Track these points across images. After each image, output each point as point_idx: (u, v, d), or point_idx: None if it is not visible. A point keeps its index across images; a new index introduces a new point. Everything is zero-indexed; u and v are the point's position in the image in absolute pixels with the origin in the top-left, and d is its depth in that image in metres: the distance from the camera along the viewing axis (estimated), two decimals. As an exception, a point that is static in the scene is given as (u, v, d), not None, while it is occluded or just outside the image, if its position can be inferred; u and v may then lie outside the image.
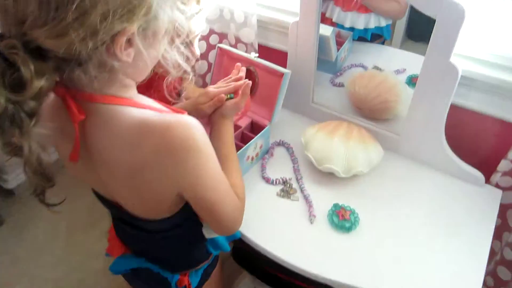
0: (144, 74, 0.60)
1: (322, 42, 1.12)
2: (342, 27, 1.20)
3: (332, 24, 1.21)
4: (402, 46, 1.24)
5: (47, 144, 0.53)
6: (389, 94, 1.09)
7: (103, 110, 0.56)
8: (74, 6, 0.45)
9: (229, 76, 0.87)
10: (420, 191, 0.95)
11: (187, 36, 0.69)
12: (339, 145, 0.95)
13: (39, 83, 0.47)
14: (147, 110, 0.58)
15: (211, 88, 0.83)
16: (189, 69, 0.65)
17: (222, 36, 1.23)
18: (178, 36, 0.62)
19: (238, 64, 0.89)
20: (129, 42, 0.52)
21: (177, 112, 0.63)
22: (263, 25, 1.18)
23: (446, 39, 0.81)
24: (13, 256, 1.70)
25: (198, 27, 0.91)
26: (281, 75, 0.98)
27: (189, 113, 0.79)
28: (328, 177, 0.97)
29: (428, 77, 0.88)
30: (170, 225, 0.70)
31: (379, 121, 1.09)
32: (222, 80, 0.86)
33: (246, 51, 1.19)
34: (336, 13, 1.19)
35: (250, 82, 0.85)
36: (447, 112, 0.91)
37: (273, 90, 1.00)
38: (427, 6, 0.80)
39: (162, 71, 0.64)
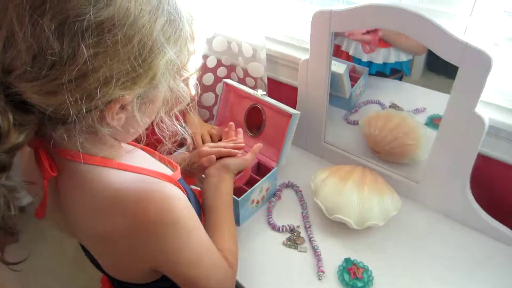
0: (132, 137, 0.56)
1: (334, 79, 1.05)
2: (359, 61, 1.14)
3: (348, 57, 1.14)
4: (422, 79, 1.16)
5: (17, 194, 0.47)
6: (407, 138, 1.01)
7: (79, 169, 0.50)
8: (74, 68, 0.40)
9: (230, 139, 0.85)
10: (441, 247, 0.86)
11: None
12: (352, 193, 0.87)
13: (17, 138, 0.42)
14: (129, 174, 0.52)
15: (205, 148, 0.79)
16: (187, 135, 0.59)
17: (231, 69, 1.18)
18: (179, 103, 0.56)
19: (231, 123, 0.87)
20: (122, 107, 0.47)
21: (173, 166, 0.61)
22: (273, 59, 1.12)
23: (470, 89, 0.74)
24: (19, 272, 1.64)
25: (192, 67, 0.85)
26: (290, 115, 0.91)
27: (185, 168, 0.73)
28: (339, 226, 0.89)
29: (451, 127, 0.81)
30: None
31: (397, 165, 1.01)
32: (223, 139, 0.85)
33: (254, 85, 1.13)
34: (353, 47, 1.13)
35: (260, 145, 0.82)
36: (472, 164, 0.83)
37: (281, 131, 0.93)
38: (448, 53, 0.73)
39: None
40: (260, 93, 0.96)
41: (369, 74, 1.16)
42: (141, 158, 0.61)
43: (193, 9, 0.52)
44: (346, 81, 1.10)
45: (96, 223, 0.52)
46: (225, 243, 0.67)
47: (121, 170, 0.52)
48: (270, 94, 1.15)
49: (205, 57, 1.14)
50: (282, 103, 1.08)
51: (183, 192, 0.61)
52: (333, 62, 1.05)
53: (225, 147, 0.79)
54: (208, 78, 1.17)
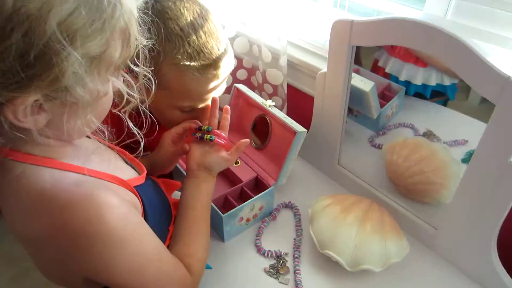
0: (79, 136, 0.51)
1: (360, 96, 0.95)
2: (396, 79, 1.01)
3: (385, 75, 1.02)
4: (471, 108, 1.01)
5: None
6: (435, 175, 0.87)
7: (14, 168, 0.47)
8: None
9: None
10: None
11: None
12: (350, 229, 0.77)
13: None
14: (69, 175, 0.48)
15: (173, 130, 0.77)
16: (139, 137, 0.55)
17: (251, 72, 1.11)
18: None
19: (227, 107, 0.80)
20: (38, 108, 0.42)
21: (141, 169, 0.60)
22: (294, 66, 1.03)
23: (506, 134, 0.60)
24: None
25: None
26: (294, 133, 0.82)
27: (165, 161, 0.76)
28: (331, 264, 0.79)
29: (481, 172, 0.67)
30: None
31: (416, 203, 0.88)
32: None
33: (273, 93, 1.05)
34: (391, 63, 1.00)
35: (248, 141, 0.74)
36: (502, 219, 0.69)
37: (285, 147, 0.85)
38: (484, 87, 0.60)
39: None
40: (268, 103, 0.88)
41: (407, 94, 1.04)
42: (102, 159, 0.58)
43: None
44: (374, 100, 0.98)
45: (24, 225, 0.49)
46: (194, 249, 0.64)
47: (61, 170, 0.49)
48: (289, 103, 1.07)
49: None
50: (302, 114, 1.00)
51: (138, 198, 0.57)
52: (359, 78, 0.95)
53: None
54: (227, 79, 1.11)
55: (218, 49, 0.72)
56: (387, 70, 1.01)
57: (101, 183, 0.51)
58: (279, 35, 0.94)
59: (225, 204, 0.87)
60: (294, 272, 0.78)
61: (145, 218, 0.58)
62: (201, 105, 0.78)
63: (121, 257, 0.50)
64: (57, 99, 0.42)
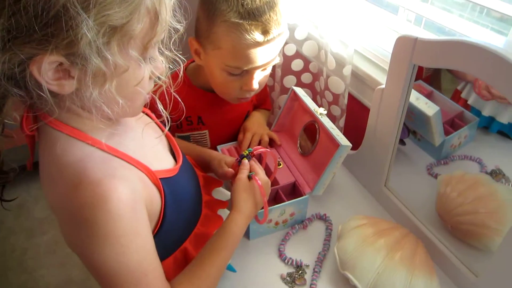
0: (98, 111, 0.51)
1: (423, 120, 0.88)
2: (478, 113, 0.91)
3: (466, 106, 0.92)
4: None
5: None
6: (490, 218, 0.79)
7: (50, 134, 0.52)
8: None
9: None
10: None
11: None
12: (376, 255, 0.73)
13: None
14: (96, 152, 0.51)
15: (228, 159, 0.79)
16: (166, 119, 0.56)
17: (315, 77, 1.09)
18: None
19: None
20: (66, 72, 0.46)
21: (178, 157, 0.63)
22: (357, 75, 0.99)
23: None
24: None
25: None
26: (337, 145, 0.80)
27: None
28: (349, 286, 0.76)
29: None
30: None
31: (461, 245, 0.80)
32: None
33: (332, 101, 1.02)
34: (474, 96, 0.91)
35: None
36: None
37: (327, 158, 0.82)
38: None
39: None
40: (320, 111, 0.87)
41: (489, 131, 0.93)
42: (141, 144, 0.60)
43: None
44: (436, 126, 0.91)
45: (46, 190, 0.53)
46: (193, 282, 0.60)
47: (89, 145, 0.52)
48: (348, 114, 1.03)
49: (290, 57, 1.07)
50: (359, 126, 0.96)
51: (160, 191, 0.58)
52: (424, 100, 0.89)
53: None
54: (290, 81, 1.10)
55: (270, 16, 0.75)
56: (470, 102, 0.91)
57: (119, 168, 0.52)
58: (348, 42, 0.91)
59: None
60: (310, 286, 0.77)
61: (164, 212, 0.59)
62: (247, 67, 0.81)
63: (100, 253, 0.49)
64: (78, 65, 0.44)
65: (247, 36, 0.75)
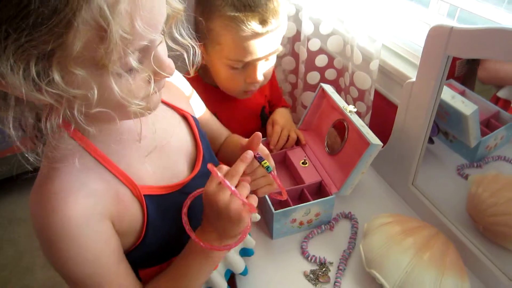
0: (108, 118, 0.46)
1: (459, 120, 0.84)
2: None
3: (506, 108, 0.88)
4: None
5: None
6: (525, 218, 0.75)
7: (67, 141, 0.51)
8: None
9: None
10: None
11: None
12: (405, 254, 0.70)
13: None
14: (83, 154, 0.51)
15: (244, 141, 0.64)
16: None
17: (340, 73, 1.07)
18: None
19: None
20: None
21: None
22: (383, 70, 0.96)
23: None
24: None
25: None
26: (368, 144, 0.77)
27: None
28: (375, 285, 0.73)
29: None
30: None
31: (494, 248, 0.76)
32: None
33: (358, 97, 1.00)
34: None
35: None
36: None
37: (356, 158, 0.80)
38: None
39: None
40: (349, 108, 0.84)
41: None
42: (139, 152, 0.57)
43: None
44: (473, 127, 0.86)
45: None
46: None
47: (80, 146, 0.51)
48: (374, 111, 1.00)
49: (314, 53, 1.05)
50: (385, 124, 0.94)
51: (144, 210, 0.55)
52: (461, 99, 0.85)
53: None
54: (314, 77, 1.08)
55: (266, 5, 0.75)
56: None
57: (94, 181, 0.51)
58: (375, 36, 0.89)
59: (281, 202, 0.85)
60: (334, 284, 0.74)
61: (146, 229, 0.57)
62: (248, 59, 0.79)
63: (53, 259, 0.50)
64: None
65: (245, 28, 0.74)
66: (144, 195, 0.55)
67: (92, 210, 0.50)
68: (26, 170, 0.47)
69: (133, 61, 0.41)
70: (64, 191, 0.48)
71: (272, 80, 1.02)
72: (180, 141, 0.66)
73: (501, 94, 0.87)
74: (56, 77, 0.37)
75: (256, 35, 0.76)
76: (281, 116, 0.98)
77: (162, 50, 0.48)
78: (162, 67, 0.47)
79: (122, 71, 0.41)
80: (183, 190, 0.62)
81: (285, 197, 0.64)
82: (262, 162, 0.58)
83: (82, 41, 0.36)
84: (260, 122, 1.02)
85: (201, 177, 0.64)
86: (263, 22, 0.75)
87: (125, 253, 0.57)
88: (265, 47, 0.79)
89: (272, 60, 0.87)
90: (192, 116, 0.70)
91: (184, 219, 0.56)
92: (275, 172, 0.61)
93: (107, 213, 0.52)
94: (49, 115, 0.43)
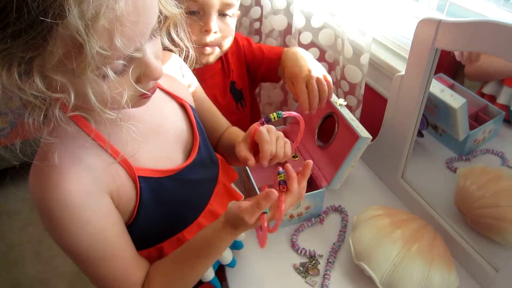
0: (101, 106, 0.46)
1: (448, 113, 0.85)
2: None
3: (499, 105, 0.88)
4: None
5: None
6: (511, 211, 0.76)
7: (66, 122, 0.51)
8: None
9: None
10: None
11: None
12: (393, 245, 0.70)
13: None
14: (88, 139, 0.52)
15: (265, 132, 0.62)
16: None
17: (331, 67, 1.07)
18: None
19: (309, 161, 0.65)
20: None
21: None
22: (373, 64, 0.96)
23: None
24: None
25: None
26: (357, 137, 0.77)
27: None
28: (364, 278, 0.73)
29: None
30: None
31: (481, 239, 0.77)
32: None
33: (348, 91, 1.00)
34: (504, 93, 0.85)
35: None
36: None
37: (346, 151, 0.80)
38: None
39: None
40: (339, 102, 0.84)
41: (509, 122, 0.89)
42: (142, 135, 0.56)
43: None
44: (462, 120, 0.87)
45: None
46: (167, 278, 0.59)
47: (77, 126, 0.52)
48: (364, 104, 1.01)
49: (306, 46, 1.05)
50: (375, 117, 0.94)
51: (138, 191, 0.57)
52: (450, 93, 0.85)
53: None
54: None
55: None
56: (500, 101, 0.86)
57: (91, 157, 0.52)
58: (366, 30, 0.89)
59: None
60: (323, 276, 0.74)
61: (138, 209, 0.58)
62: (197, 8, 0.78)
63: (54, 234, 0.52)
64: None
65: None
66: (138, 176, 0.56)
67: (93, 184, 0.51)
68: (15, 164, 0.48)
69: (110, 72, 0.42)
70: (64, 164, 0.49)
71: (242, 49, 0.99)
72: (177, 128, 0.67)
73: (487, 90, 0.87)
74: (37, 80, 0.40)
75: None
76: (292, 62, 0.85)
77: (150, 53, 0.47)
78: (149, 71, 0.47)
79: (99, 80, 0.42)
80: (176, 176, 0.63)
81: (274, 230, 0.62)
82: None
83: (60, 52, 0.38)
84: (233, 98, 0.99)
85: (194, 166, 0.66)
86: None
87: None
88: None
89: (231, 21, 0.85)
90: (190, 106, 0.70)
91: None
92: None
93: (106, 189, 0.53)
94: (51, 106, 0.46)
